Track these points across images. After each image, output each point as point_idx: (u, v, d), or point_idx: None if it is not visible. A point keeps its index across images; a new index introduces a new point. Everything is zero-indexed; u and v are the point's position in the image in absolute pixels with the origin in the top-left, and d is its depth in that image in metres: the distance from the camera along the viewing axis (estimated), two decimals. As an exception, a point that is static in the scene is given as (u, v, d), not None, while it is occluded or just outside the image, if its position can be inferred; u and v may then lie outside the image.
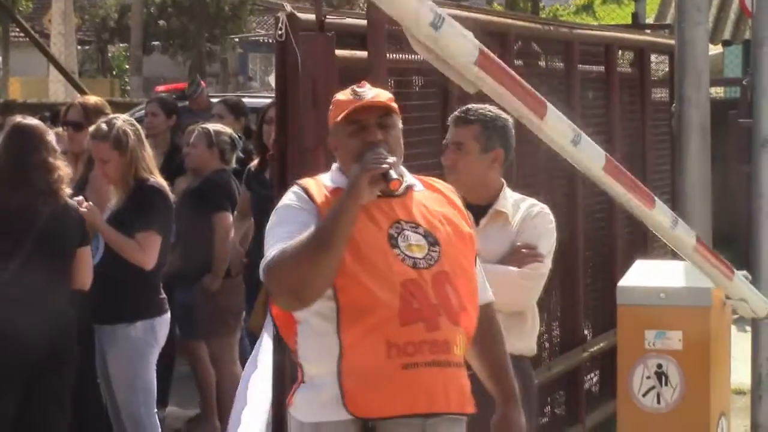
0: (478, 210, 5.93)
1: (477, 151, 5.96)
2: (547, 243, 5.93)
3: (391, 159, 4.76)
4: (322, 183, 4.91)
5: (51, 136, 7.38)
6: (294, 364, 5.05)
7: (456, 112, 6.10)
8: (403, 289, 4.70)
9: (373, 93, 4.93)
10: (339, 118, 4.88)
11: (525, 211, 5.98)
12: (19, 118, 7.63)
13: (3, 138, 7.36)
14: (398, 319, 4.68)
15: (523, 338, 5.96)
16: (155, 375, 7.91)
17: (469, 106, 6.12)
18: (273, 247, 4.70)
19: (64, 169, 7.33)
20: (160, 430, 7.92)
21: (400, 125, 5.00)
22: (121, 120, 7.95)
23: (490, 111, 6.05)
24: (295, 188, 4.92)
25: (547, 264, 5.92)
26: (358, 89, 4.94)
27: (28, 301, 7.07)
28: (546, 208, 6.08)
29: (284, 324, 4.96)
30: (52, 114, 11.18)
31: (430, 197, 4.97)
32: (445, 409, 4.78)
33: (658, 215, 6.03)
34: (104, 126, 7.84)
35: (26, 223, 7.16)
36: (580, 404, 9.47)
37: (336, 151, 4.98)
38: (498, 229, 5.94)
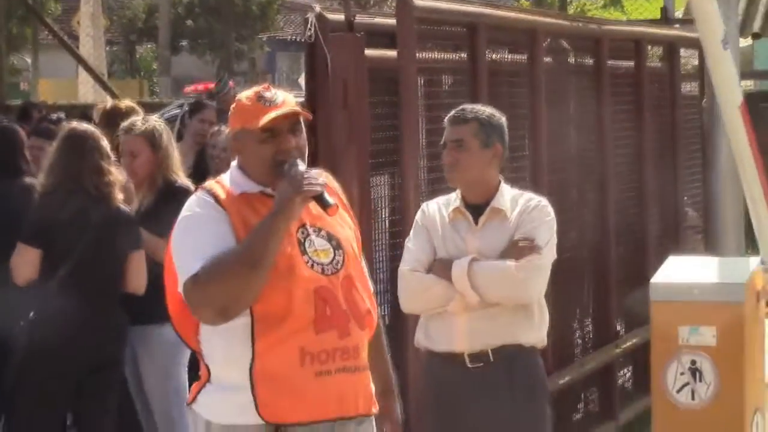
0: (477, 208, 5.94)
1: (477, 147, 5.94)
2: (546, 235, 5.89)
3: (322, 180, 4.74)
4: (227, 188, 4.84)
5: (104, 141, 7.39)
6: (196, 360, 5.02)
7: (452, 113, 6.04)
8: (316, 296, 4.70)
9: (281, 98, 4.84)
10: (250, 126, 4.79)
11: (522, 206, 5.96)
12: (74, 124, 7.66)
13: (57, 143, 7.38)
14: (313, 328, 4.69)
15: (531, 331, 5.92)
16: (186, 376, 7.94)
17: (464, 106, 6.10)
18: (192, 261, 4.68)
19: (116, 174, 7.34)
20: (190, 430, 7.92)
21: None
22: (155, 119, 8.01)
23: (485, 109, 6.06)
24: (201, 194, 4.86)
25: (547, 255, 5.86)
26: (264, 94, 4.84)
27: (80, 305, 7.09)
28: (544, 201, 6.03)
29: (182, 321, 4.90)
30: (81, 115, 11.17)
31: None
32: (354, 412, 4.81)
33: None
34: (139, 122, 7.88)
35: (79, 227, 7.18)
36: (613, 401, 9.45)
37: (240, 154, 4.88)
38: (496, 226, 5.91)
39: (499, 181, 5.99)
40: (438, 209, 6.00)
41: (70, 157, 7.27)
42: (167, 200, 7.58)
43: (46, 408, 7.29)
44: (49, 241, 7.16)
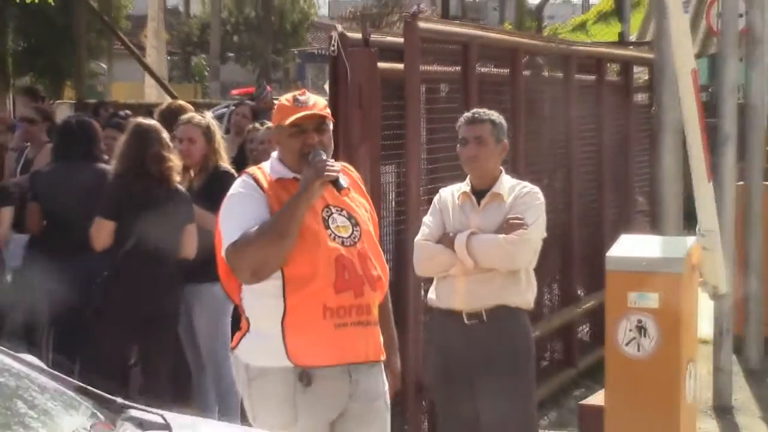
0: (481, 193, 5.96)
1: (492, 143, 5.97)
2: (534, 214, 5.90)
3: (338, 166, 4.81)
4: (266, 172, 4.89)
5: (164, 133, 7.39)
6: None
7: (468, 114, 6.07)
8: (336, 263, 4.74)
9: (312, 101, 4.89)
10: (284, 122, 4.84)
11: (517, 192, 5.97)
12: (139, 119, 7.68)
13: (126, 135, 7.40)
14: (333, 288, 4.73)
15: (518, 294, 5.94)
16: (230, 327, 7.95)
17: (476, 109, 6.15)
18: (233, 231, 4.72)
19: (175, 160, 7.35)
20: (234, 372, 7.91)
21: (331, 127, 4.95)
22: (209, 116, 8.05)
23: (493, 113, 6.11)
24: (245, 177, 4.92)
25: (535, 231, 5.87)
26: (299, 97, 4.91)
27: (146, 267, 7.12)
28: (536, 189, 6.05)
29: (228, 281, 4.94)
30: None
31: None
32: (365, 358, 4.85)
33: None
34: (197, 116, 7.94)
35: (145, 204, 7.18)
36: (573, 351, 9.49)
37: (278, 146, 4.96)
38: (495, 207, 5.93)
39: (501, 171, 6.02)
40: (451, 193, 6.06)
41: (137, 147, 7.29)
42: (215, 182, 7.59)
43: (115, 349, 7.33)
44: (120, 215, 7.18)
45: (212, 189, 7.51)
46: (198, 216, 7.60)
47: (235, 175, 7.81)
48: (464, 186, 6.02)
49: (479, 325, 5.86)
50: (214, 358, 7.69)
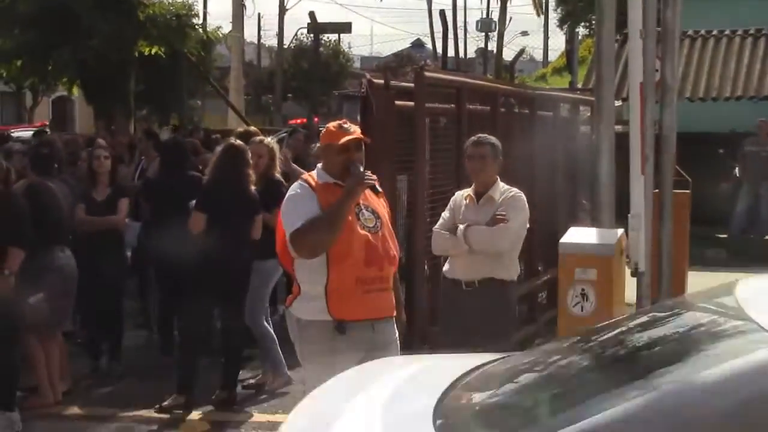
0: (479, 195, 5.98)
1: (491, 160, 6.00)
2: (514, 212, 5.91)
3: (374, 177, 4.83)
4: (315, 179, 4.87)
5: (248, 153, 7.36)
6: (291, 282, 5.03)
7: (474, 139, 6.10)
8: (366, 245, 4.74)
9: (353, 128, 4.92)
10: (335, 143, 4.82)
11: (506, 195, 6.00)
12: (231, 140, 7.67)
13: (220, 152, 7.37)
14: (363, 263, 4.73)
15: (502, 270, 5.95)
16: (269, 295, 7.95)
17: (479, 135, 6.16)
18: (296, 220, 4.69)
19: (253, 174, 7.34)
20: (272, 331, 7.86)
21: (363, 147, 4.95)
22: (271, 140, 8.03)
23: (492, 138, 6.12)
24: (301, 182, 4.90)
25: (516, 225, 5.90)
26: (344, 125, 4.92)
27: (228, 246, 7.09)
28: (520, 193, 6.07)
29: (284, 257, 4.91)
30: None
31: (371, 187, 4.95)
32: (384, 314, 4.86)
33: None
34: (266, 139, 7.94)
35: (232, 204, 7.17)
36: (535, 311, 9.44)
37: (324, 160, 4.92)
38: (488, 207, 5.94)
39: (497, 179, 6.01)
40: (461, 195, 6.12)
41: (228, 162, 7.28)
42: (270, 187, 7.60)
43: (203, 304, 7.29)
44: (211, 209, 7.15)
45: (267, 192, 7.54)
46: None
47: (284, 182, 7.84)
48: (469, 190, 6.06)
49: (473, 290, 5.89)
50: (251, 313, 7.65)
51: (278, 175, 7.85)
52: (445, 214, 6.05)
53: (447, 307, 6.07)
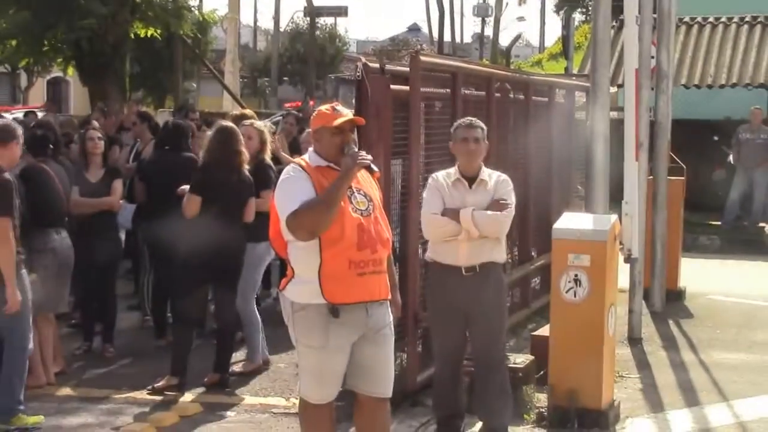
0: (471, 179, 5.90)
1: (483, 143, 5.95)
2: (509, 196, 5.89)
3: (369, 157, 4.78)
4: (308, 162, 4.84)
5: (239, 135, 7.33)
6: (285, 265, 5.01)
7: (466, 121, 6.00)
8: (358, 228, 4.71)
9: (345, 111, 4.90)
10: (330, 125, 4.79)
11: (496, 179, 5.94)
12: (221, 122, 7.65)
13: (212, 134, 7.33)
14: (356, 247, 4.69)
15: (501, 253, 5.92)
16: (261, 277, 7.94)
17: (470, 118, 6.07)
18: (292, 203, 4.65)
19: (245, 154, 7.32)
20: (257, 312, 7.87)
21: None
22: (263, 123, 8.02)
23: (480, 121, 6.03)
24: (294, 166, 4.86)
25: (512, 210, 5.88)
26: (337, 107, 4.91)
27: (223, 229, 7.07)
28: (507, 177, 6.02)
29: (277, 241, 4.88)
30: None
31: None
32: (378, 297, 4.82)
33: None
34: (257, 121, 7.94)
35: (224, 186, 7.15)
36: (528, 296, 9.43)
37: (318, 142, 4.88)
38: (482, 190, 5.87)
39: (482, 163, 5.96)
40: (443, 177, 5.98)
41: (221, 143, 7.25)
42: (259, 170, 7.59)
43: (197, 287, 7.28)
44: (205, 192, 7.13)
45: (257, 176, 7.53)
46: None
47: (273, 166, 7.82)
48: (454, 173, 5.93)
49: (474, 276, 5.82)
50: (242, 295, 7.65)
51: (268, 159, 7.84)
52: (433, 197, 5.87)
53: (440, 292, 5.97)
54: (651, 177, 9.86)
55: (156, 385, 7.13)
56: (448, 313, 5.91)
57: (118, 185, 8.14)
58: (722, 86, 16.41)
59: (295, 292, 4.79)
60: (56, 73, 28.33)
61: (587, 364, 6.23)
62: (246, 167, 7.31)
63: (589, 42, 8.90)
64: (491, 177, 5.93)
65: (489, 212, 5.77)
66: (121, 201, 8.33)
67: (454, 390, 6.03)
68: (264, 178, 7.61)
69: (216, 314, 7.54)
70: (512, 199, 5.88)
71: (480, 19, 52.62)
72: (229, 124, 7.53)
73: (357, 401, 4.98)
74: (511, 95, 9.07)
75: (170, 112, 17.86)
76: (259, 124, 7.97)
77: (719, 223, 15.66)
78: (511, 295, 9.14)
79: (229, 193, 7.16)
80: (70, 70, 20.73)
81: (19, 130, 6.55)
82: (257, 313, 7.77)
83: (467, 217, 5.73)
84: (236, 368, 7.65)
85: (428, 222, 5.87)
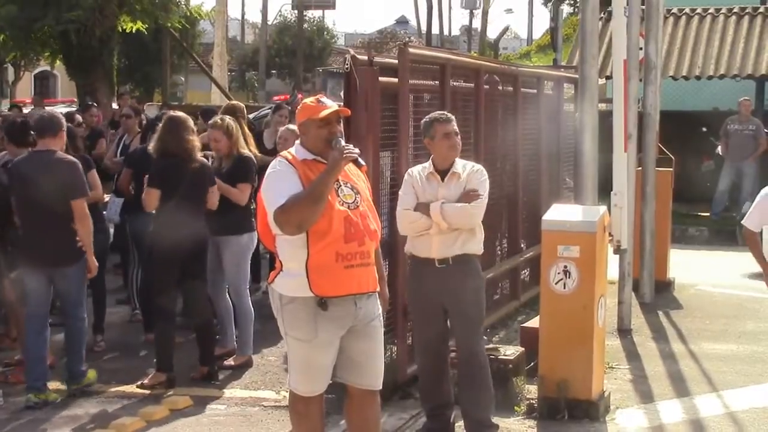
0: (442, 172, 5.88)
1: (459, 136, 5.93)
2: (482, 186, 5.84)
3: (357, 150, 4.73)
4: (294, 155, 4.79)
5: (189, 122, 7.30)
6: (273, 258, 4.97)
7: (442, 116, 5.94)
8: (345, 221, 4.68)
9: (330, 102, 4.84)
10: (316, 116, 4.74)
11: (469, 170, 5.90)
12: (171, 112, 7.62)
13: (162, 125, 7.30)
14: (343, 239, 4.66)
15: (474, 244, 5.87)
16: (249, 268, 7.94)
17: (441, 112, 6.03)
18: (279, 197, 4.61)
19: (196, 141, 7.27)
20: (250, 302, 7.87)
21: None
22: (228, 118, 7.91)
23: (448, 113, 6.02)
24: (280, 159, 4.82)
25: (485, 199, 5.84)
26: (322, 99, 4.85)
27: (182, 221, 7.04)
28: (481, 167, 5.97)
29: (265, 235, 4.86)
30: (203, 111, 10.97)
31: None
32: (366, 289, 4.79)
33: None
34: (218, 120, 7.85)
35: (179, 176, 7.12)
36: (517, 288, 9.43)
37: (304, 135, 4.83)
38: (454, 183, 5.85)
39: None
40: (418, 172, 5.95)
41: (168, 133, 7.23)
42: (238, 164, 7.57)
43: (165, 275, 7.22)
44: (162, 184, 7.11)
45: (236, 170, 7.51)
46: (225, 190, 7.53)
47: (252, 157, 7.77)
48: (428, 167, 5.92)
49: (447, 268, 5.80)
50: (235, 290, 7.67)
51: (245, 151, 7.81)
52: (407, 193, 5.87)
53: (418, 287, 5.95)
54: (639, 168, 9.86)
55: (144, 382, 7.11)
56: (426, 305, 5.92)
57: (93, 177, 7.97)
58: (710, 77, 16.43)
59: (283, 285, 4.77)
60: (43, 67, 28.20)
61: (577, 355, 6.23)
62: (198, 154, 7.28)
63: (577, 34, 8.89)
64: (465, 168, 5.90)
65: (458, 204, 5.76)
66: (108, 195, 8.29)
67: (439, 382, 6.02)
68: (243, 170, 7.60)
69: (188, 307, 7.52)
70: (484, 189, 5.83)
71: (468, 11, 52.57)
72: (179, 113, 7.49)
73: (347, 394, 4.97)
74: (500, 87, 9.05)
75: (158, 105, 17.76)
76: (222, 121, 7.85)
77: (708, 214, 15.70)
78: (501, 287, 9.15)
79: (186, 182, 7.13)
80: (57, 63, 20.63)
81: (63, 120, 7.09)
82: (251, 306, 7.75)
83: (436, 210, 5.74)
84: (227, 362, 7.63)
85: (401, 217, 5.89)
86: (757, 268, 6.62)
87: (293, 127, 7.86)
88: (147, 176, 7.17)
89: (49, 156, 6.79)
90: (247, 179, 7.65)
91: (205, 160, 7.34)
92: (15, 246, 7.02)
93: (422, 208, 5.78)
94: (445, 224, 5.72)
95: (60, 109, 14.47)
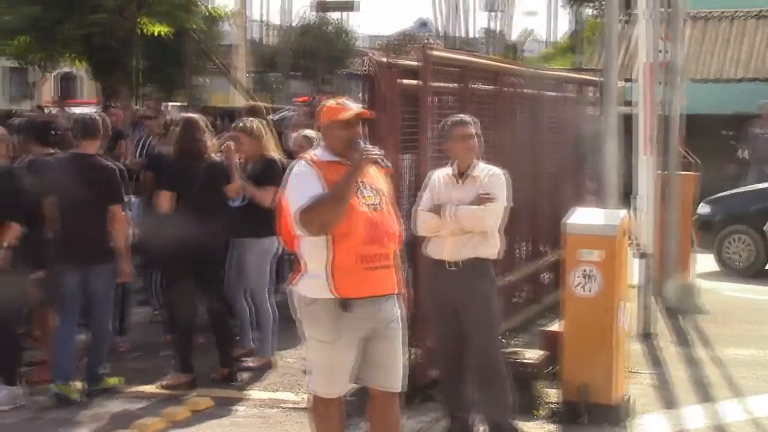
0: (461, 175, 5.89)
1: (478, 139, 5.92)
2: (499, 190, 5.82)
3: (380, 151, 4.73)
4: (317, 157, 4.80)
5: (202, 122, 7.36)
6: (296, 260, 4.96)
7: (460, 119, 5.98)
8: (367, 223, 4.68)
9: (354, 105, 4.86)
10: (339, 118, 4.75)
11: (487, 173, 5.91)
12: (187, 113, 7.67)
13: (179, 128, 7.36)
14: (365, 241, 4.66)
15: (487, 248, 5.85)
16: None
17: (460, 116, 6.05)
18: (302, 199, 4.62)
19: (206, 140, 7.31)
20: (271, 304, 7.86)
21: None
22: (255, 121, 7.91)
23: (471, 118, 6.02)
24: (302, 161, 4.82)
25: (501, 203, 5.81)
26: (344, 101, 4.87)
27: (195, 220, 7.03)
28: (499, 171, 5.94)
29: (288, 237, 4.85)
30: (223, 113, 11.03)
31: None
32: (387, 291, 4.79)
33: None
34: (243, 122, 7.86)
35: (191, 177, 7.14)
36: (539, 292, 9.40)
37: (327, 137, 4.83)
38: (470, 185, 5.85)
39: (474, 158, 5.92)
40: (439, 175, 5.97)
41: (183, 134, 7.26)
42: (263, 165, 7.52)
43: (181, 276, 7.23)
44: (176, 186, 7.13)
45: (261, 172, 7.51)
46: (249, 191, 7.53)
47: (276, 160, 7.76)
48: (449, 169, 5.95)
49: (458, 271, 5.80)
50: (256, 292, 7.64)
51: (272, 153, 7.79)
52: (426, 195, 5.91)
53: (430, 287, 5.97)
54: (661, 171, 9.81)
55: (164, 383, 7.12)
56: (440, 307, 5.94)
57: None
58: (730, 80, 16.33)
59: (305, 287, 4.77)
60: (66, 68, 28.35)
61: (598, 359, 6.20)
62: (210, 152, 7.29)
63: (598, 36, 8.87)
64: (484, 172, 5.89)
65: (471, 207, 5.76)
66: (129, 196, 8.31)
67: (457, 385, 6.01)
68: (269, 173, 7.61)
69: (205, 307, 7.52)
70: (500, 193, 5.81)
71: (488, 13, 52.50)
72: (192, 115, 7.54)
73: (369, 396, 4.95)
74: (521, 90, 9.03)
75: (179, 107, 17.82)
76: (243, 124, 7.86)
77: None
78: (522, 291, 9.11)
79: (198, 183, 7.14)
80: (78, 65, 20.72)
81: (101, 123, 7.22)
82: (269, 308, 7.75)
83: (447, 212, 5.75)
84: (247, 363, 7.63)
85: (414, 217, 5.94)
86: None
87: (309, 133, 7.86)
88: (158, 178, 7.20)
89: (92, 159, 6.94)
90: (274, 182, 7.64)
91: (218, 159, 7.33)
92: (38, 246, 7.03)
93: (435, 209, 5.83)
94: (455, 226, 5.73)
95: (80, 110, 14.57)
